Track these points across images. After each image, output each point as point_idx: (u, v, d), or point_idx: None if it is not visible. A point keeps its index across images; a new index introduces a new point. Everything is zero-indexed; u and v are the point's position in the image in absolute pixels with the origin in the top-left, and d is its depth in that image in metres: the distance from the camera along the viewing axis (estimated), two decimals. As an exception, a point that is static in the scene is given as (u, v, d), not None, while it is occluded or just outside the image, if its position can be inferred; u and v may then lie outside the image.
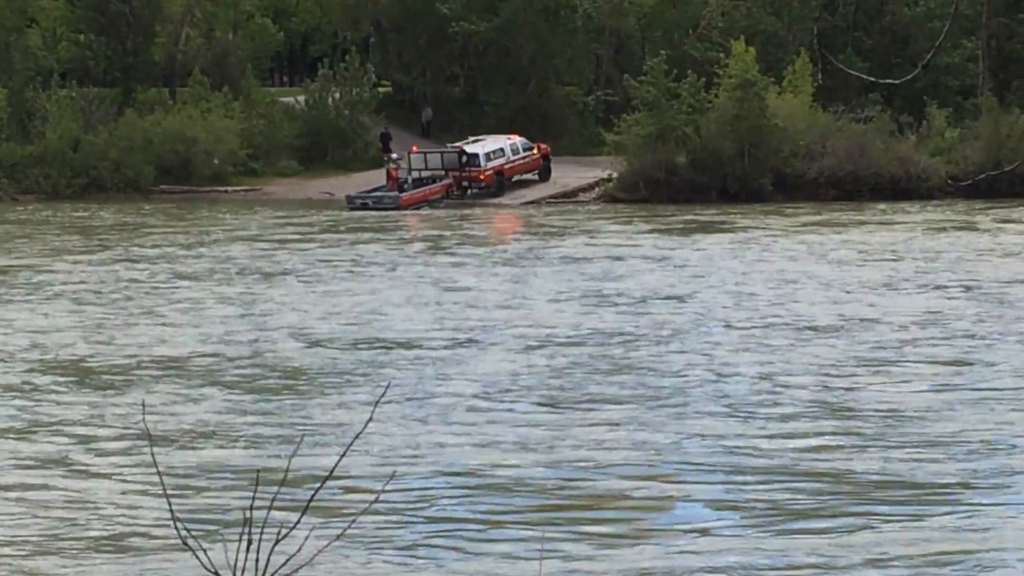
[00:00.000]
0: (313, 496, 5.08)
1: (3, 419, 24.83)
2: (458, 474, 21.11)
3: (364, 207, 62.80)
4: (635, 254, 45.85)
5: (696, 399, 25.61)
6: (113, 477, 21.14)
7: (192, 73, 77.12)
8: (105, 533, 18.66)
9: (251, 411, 25.05)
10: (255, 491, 5.10)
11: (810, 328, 32.31)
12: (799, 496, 19.88)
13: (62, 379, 28.13)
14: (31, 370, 28.94)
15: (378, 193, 64.24)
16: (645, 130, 63.55)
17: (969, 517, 18.83)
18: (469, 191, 65.59)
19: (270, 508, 4.73)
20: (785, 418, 24.09)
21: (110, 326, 33.93)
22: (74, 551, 18.01)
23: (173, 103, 76.41)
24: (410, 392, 26.10)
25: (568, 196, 65.79)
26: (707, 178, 62.98)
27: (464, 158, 65.09)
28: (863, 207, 58.97)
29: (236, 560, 4.53)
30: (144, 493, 20.06)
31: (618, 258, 44.93)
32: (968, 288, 37.74)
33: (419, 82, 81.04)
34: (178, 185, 70.87)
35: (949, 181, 59.38)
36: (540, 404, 25.39)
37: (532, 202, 64.84)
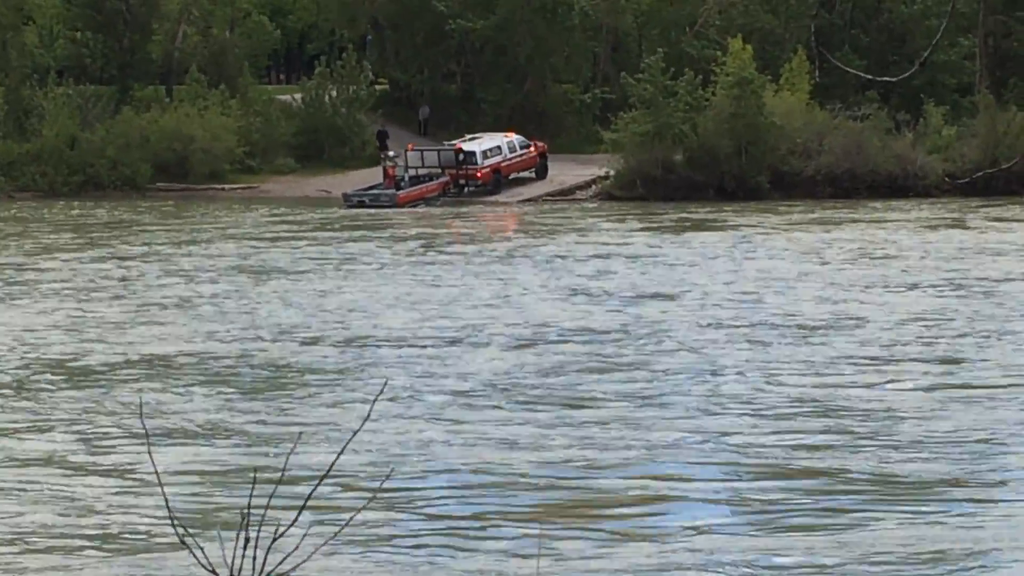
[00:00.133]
0: (310, 494, 5.11)
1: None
2: (452, 472, 21.13)
3: (361, 205, 62.81)
4: (627, 252, 45.86)
5: (689, 397, 25.63)
6: (107, 475, 21.13)
7: (189, 71, 77.08)
8: (102, 531, 18.67)
9: (243, 409, 25.05)
10: (252, 489, 5.13)
11: (799, 327, 32.32)
12: (793, 495, 19.91)
13: (53, 377, 28.06)
14: (19, 368, 28.87)
15: (375, 191, 64.24)
16: (642, 128, 63.58)
17: (963, 515, 18.87)
18: (466, 189, 65.61)
19: (267, 506, 4.75)
20: (778, 416, 24.11)
21: (99, 324, 33.88)
22: (71, 549, 18.02)
23: (170, 101, 76.42)
24: (402, 390, 26.10)
25: (565, 194, 65.80)
26: (704, 176, 63.01)
27: (461, 156, 65.09)
28: (859, 205, 59.01)
29: (233, 558, 4.55)
30: (140, 491, 20.06)
31: (609, 256, 44.94)
32: (960, 286, 37.78)
33: (416, 80, 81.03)
34: (175, 183, 70.86)
35: (946, 179, 59.40)
36: (533, 402, 25.40)
37: (529, 200, 64.85)
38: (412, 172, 64.78)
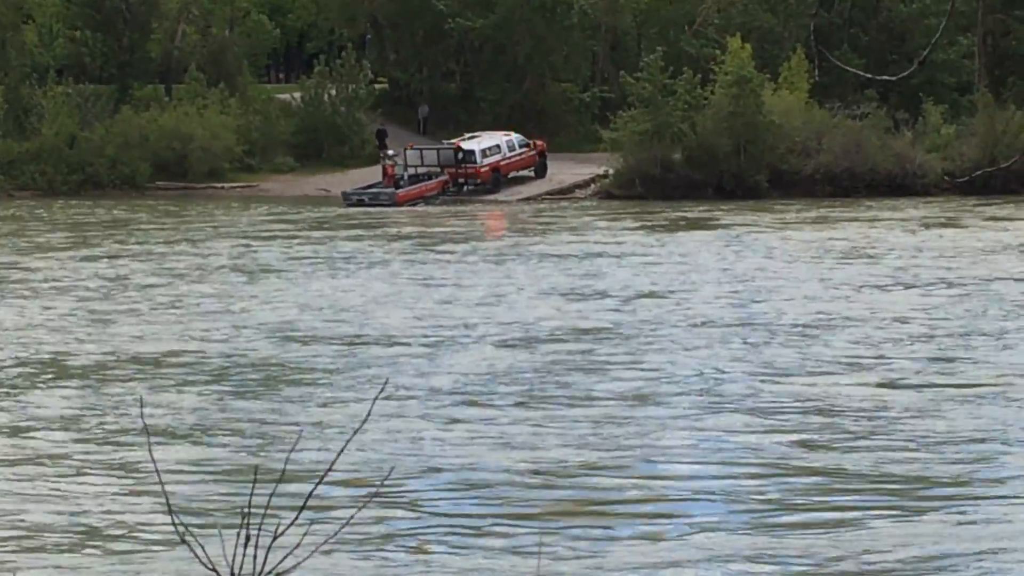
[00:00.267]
0: (312, 492, 5.14)
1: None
2: (451, 470, 21.15)
3: (360, 204, 62.85)
4: (623, 251, 45.86)
5: (686, 397, 25.64)
6: (105, 473, 21.14)
7: (188, 70, 77.12)
8: (101, 529, 18.69)
9: (239, 408, 25.06)
10: (253, 487, 5.16)
11: (794, 325, 32.32)
12: (789, 494, 19.95)
13: (49, 376, 28.06)
14: (12, 366, 28.86)
15: (374, 190, 64.28)
16: (641, 127, 63.62)
17: (959, 514, 18.91)
18: (465, 188, 65.65)
19: (267, 505, 4.78)
20: (773, 415, 24.13)
21: (94, 322, 33.89)
22: (70, 547, 18.04)
23: (169, 100, 76.47)
24: (398, 389, 26.09)
25: (564, 193, 65.84)
26: (703, 175, 63.05)
27: (460, 155, 65.14)
28: (857, 204, 59.02)
29: (234, 556, 4.58)
30: (139, 489, 20.08)
31: (602, 255, 44.95)
32: (955, 285, 37.81)
33: (415, 79, 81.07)
34: (174, 182, 70.89)
35: (945, 177, 59.44)
36: (527, 401, 25.40)
37: (528, 199, 64.89)
38: (411, 171, 64.83)
